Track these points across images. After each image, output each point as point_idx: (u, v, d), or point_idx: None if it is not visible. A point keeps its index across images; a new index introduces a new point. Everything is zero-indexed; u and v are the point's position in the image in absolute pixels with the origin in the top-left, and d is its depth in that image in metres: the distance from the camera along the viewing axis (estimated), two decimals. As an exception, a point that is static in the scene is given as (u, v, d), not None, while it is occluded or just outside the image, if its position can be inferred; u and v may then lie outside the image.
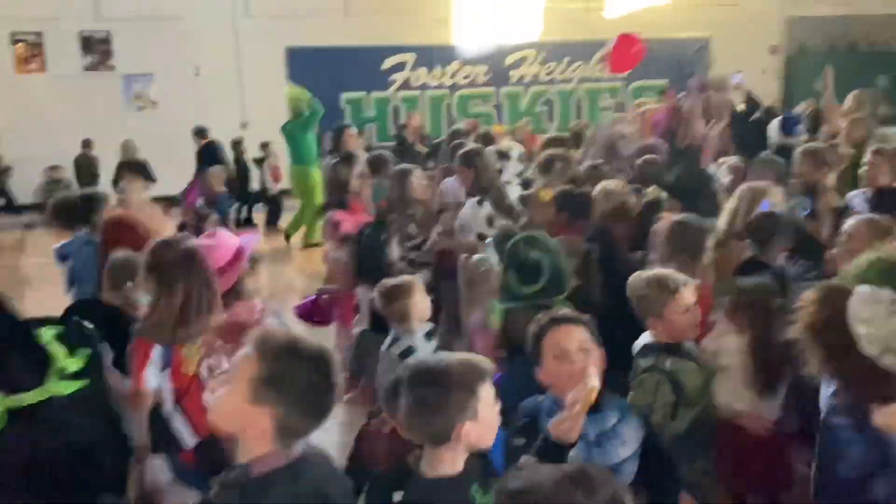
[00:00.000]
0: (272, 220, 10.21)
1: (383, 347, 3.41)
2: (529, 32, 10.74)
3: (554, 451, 1.96)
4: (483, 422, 1.79)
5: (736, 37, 12.67)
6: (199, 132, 10.15)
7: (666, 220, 3.80)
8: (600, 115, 12.07)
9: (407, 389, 1.81)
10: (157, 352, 2.61)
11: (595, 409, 2.07)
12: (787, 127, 6.69)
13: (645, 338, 2.87)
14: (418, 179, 4.82)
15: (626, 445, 2.20)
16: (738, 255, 3.74)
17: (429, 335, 3.44)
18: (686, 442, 2.67)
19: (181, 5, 11.68)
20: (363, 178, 5.36)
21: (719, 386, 3.06)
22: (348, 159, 5.59)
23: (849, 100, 6.37)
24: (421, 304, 3.44)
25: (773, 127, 6.81)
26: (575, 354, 2.18)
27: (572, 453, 1.98)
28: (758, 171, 4.85)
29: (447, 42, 12.31)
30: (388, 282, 3.48)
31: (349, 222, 4.79)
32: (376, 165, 5.68)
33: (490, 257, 3.85)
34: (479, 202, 4.74)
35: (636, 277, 2.98)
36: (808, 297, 2.14)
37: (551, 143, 6.65)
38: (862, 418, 2.02)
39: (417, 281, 3.50)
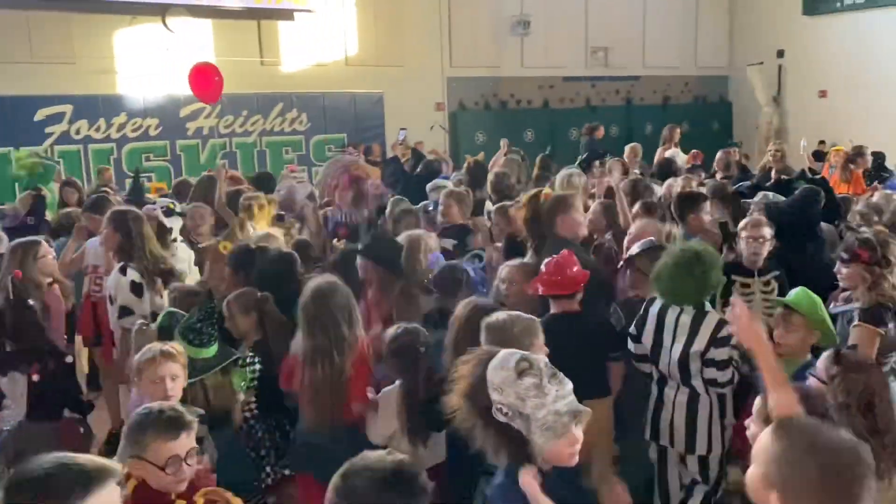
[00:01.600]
0: None
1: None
2: (203, 84, 10.38)
3: None
4: None
5: (406, 94, 13.58)
6: None
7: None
8: (284, 168, 12.03)
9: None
10: None
11: None
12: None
13: None
14: (45, 253, 4.33)
15: None
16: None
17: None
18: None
19: None
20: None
21: (370, 429, 3.22)
22: None
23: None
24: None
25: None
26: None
27: None
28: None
29: (112, 92, 11.43)
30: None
31: None
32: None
33: (152, 326, 3.56)
34: (123, 270, 4.32)
35: (498, 320, 2.92)
36: (460, 362, 2.18)
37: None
38: (512, 479, 2.06)
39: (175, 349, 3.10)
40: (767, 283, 4.21)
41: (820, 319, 3.17)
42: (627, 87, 16.93)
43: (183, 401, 3.21)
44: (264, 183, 7.16)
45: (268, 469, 3.54)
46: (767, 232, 4.28)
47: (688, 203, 4.82)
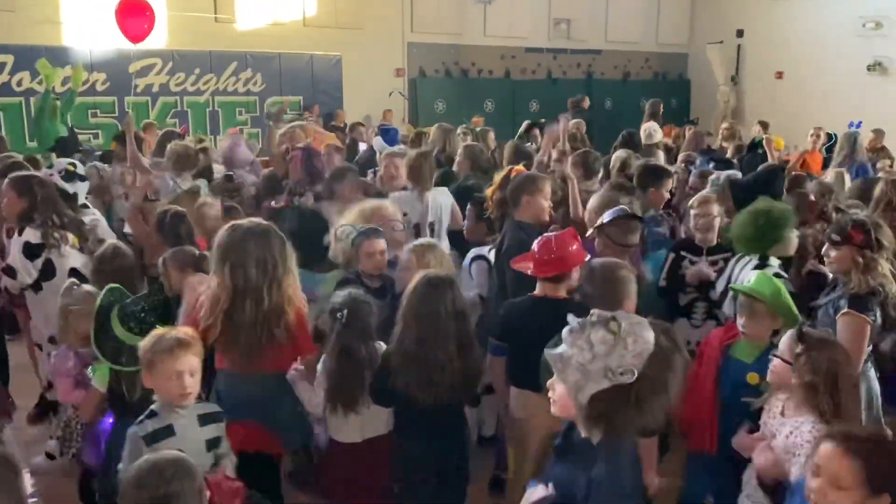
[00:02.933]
0: None
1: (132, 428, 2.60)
2: (153, 40, 9.95)
3: None
4: None
5: (365, 58, 13.30)
6: None
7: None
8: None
9: None
10: None
11: None
12: (387, 139, 7.19)
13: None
14: None
15: None
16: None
17: (207, 418, 2.65)
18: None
19: None
20: None
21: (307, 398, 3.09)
22: None
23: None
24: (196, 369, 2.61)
25: (378, 141, 7.28)
26: None
27: None
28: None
29: (56, 44, 10.92)
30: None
31: None
32: None
33: (84, 287, 3.35)
34: (21, 230, 4.04)
35: (604, 262, 3.09)
36: None
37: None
38: None
39: (190, 335, 2.66)
40: (714, 263, 4.14)
41: (784, 305, 3.01)
42: (588, 61, 16.86)
43: (119, 391, 3.04)
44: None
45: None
46: (716, 209, 4.22)
47: (651, 176, 4.76)
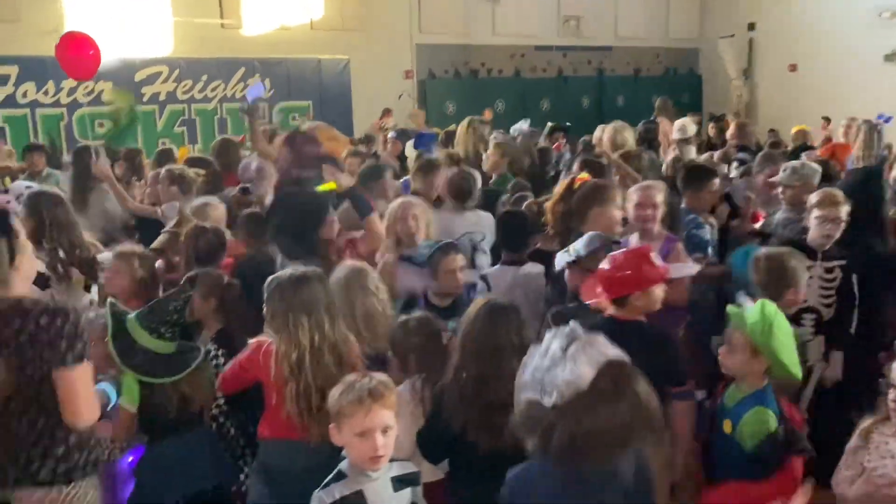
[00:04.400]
0: None
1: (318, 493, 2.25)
2: (159, 47, 9.79)
3: None
4: None
5: (373, 60, 13.10)
6: None
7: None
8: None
9: None
10: None
11: None
12: (420, 143, 6.89)
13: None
14: None
15: None
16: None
17: (402, 481, 2.31)
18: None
19: None
20: None
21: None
22: None
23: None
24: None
25: (409, 146, 7.04)
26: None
27: None
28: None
29: (62, 54, 10.74)
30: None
31: None
32: None
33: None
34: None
35: (777, 251, 3.19)
36: None
37: (193, 163, 5.98)
38: None
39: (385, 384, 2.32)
40: (830, 270, 3.73)
41: (765, 343, 2.57)
42: (599, 58, 16.63)
43: (151, 409, 2.83)
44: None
45: (246, 470, 3.15)
46: (844, 211, 3.72)
47: (692, 177, 4.50)
